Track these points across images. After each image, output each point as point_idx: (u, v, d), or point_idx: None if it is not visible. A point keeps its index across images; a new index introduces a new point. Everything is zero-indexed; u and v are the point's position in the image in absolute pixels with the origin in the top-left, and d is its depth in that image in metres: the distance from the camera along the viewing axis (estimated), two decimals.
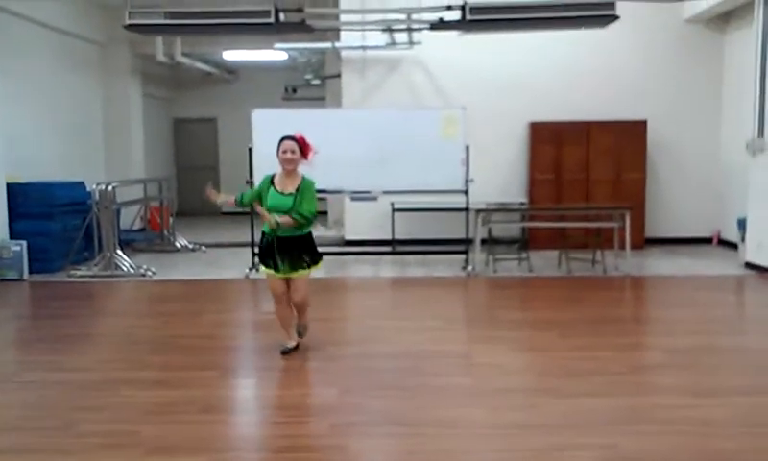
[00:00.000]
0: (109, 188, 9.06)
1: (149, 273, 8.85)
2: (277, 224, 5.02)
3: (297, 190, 5.07)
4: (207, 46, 12.74)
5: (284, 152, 5.07)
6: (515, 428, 3.99)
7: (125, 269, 8.90)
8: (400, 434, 3.96)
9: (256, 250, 8.76)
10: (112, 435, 3.95)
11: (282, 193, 5.08)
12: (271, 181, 5.17)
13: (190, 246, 11.01)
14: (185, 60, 12.61)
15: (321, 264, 5.33)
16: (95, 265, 8.93)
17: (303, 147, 5.13)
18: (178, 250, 10.91)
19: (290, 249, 5.12)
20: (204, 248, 10.98)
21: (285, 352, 5.36)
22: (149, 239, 11.46)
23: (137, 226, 12.15)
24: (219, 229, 13.18)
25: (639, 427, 3.95)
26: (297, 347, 5.44)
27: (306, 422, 4.24)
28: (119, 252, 9.07)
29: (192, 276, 8.95)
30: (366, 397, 4.53)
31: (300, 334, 5.52)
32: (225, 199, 5.46)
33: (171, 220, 11.26)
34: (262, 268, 5.31)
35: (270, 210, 5.07)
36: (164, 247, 10.99)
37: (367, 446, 3.91)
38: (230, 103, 15.90)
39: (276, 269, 5.16)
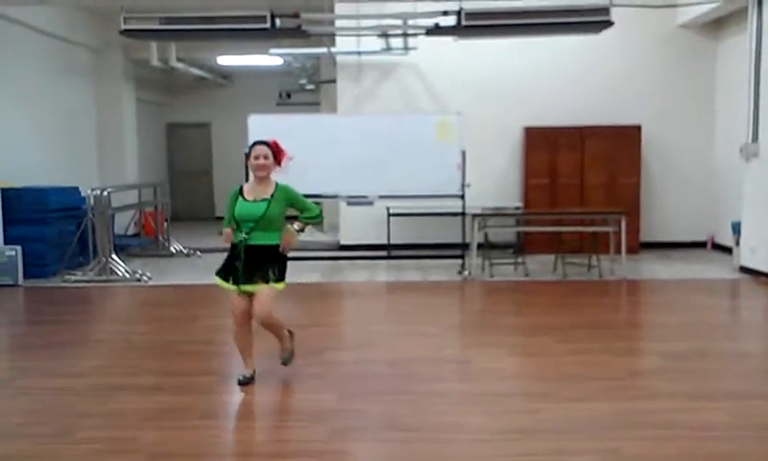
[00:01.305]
0: (104, 193, 9.03)
1: (144, 278, 8.81)
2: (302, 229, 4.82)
3: (271, 196, 4.68)
4: (202, 51, 12.73)
5: (256, 157, 4.67)
6: (515, 434, 3.98)
7: (120, 274, 8.86)
8: (401, 440, 3.94)
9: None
10: (111, 442, 3.93)
11: (254, 201, 4.66)
12: (240, 191, 4.75)
13: (185, 251, 10.98)
14: (179, 66, 12.60)
15: (282, 286, 4.74)
16: (90, 270, 8.89)
17: (277, 152, 4.75)
18: (173, 255, 10.88)
19: (257, 259, 4.65)
20: (199, 253, 10.95)
21: (243, 383, 4.81)
22: (143, 244, 11.42)
23: (132, 231, 12.12)
24: (213, 234, 13.10)
25: (640, 432, 3.96)
26: (253, 377, 4.87)
27: (306, 427, 4.21)
28: (114, 257, 9.03)
29: (188, 281, 8.92)
30: (365, 402, 4.52)
31: (284, 362, 4.99)
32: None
33: (165, 225, 11.23)
34: (218, 281, 4.76)
35: (237, 220, 4.66)
36: (159, 252, 10.95)
37: (367, 451, 3.90)
38: (224, 108, 15.88)
39: (237, 282, 4.66)
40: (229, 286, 4.71)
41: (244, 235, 4.65)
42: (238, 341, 4.86)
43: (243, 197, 4.72)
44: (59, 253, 9.10)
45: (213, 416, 4.43)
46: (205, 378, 5.09)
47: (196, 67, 13.70)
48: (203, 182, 16.44)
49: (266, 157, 4.69)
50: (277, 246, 4.72)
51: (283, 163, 4.85)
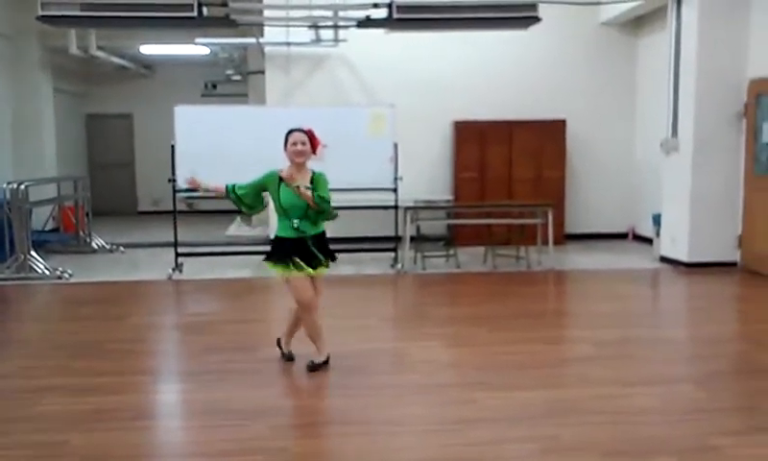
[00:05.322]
0: (21, 187, 8.62)
1: (65, 275, 8.46)
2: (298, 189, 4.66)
3: (311, 183, 4.73)
4: (124, 39, 12.28)
5: (294, 144, 4.69)
6: (458, 423, 4.02)
7: (40, 271, 8.48)
8: (343, 434, 3.93)
9: (180, 250, 8.64)
10: (41, 446, 3.75)
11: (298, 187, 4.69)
12: (280, 178, 4.74)
13: (107, 246, 10.61)
14: (100, 54, 12.11)
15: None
16: (7, 268, 8.47)
17: (312, 140, 4.77)
18: (95, 251, 10.49)
19: (319, 246, 4.90)
20: (122, 249, 10.60)
21: (313, 369, 4.92)
22: (63, 240, 10.97)
23: (50, 226, 11.62)
24: (136, 229, 12.76)
25: (576, 418, 4.06)
26: (327, 361, 5.01)
27: (245, 425, 4.11)
28: (33, 253, 8.63)
29: (111, 277, 8.62)
30: (305, 398, 4.49)
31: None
32: (207, 185, 5.11)
33: (87, 220, 10.82)
34: (277, 270, 4.86)
35: (285, 209, 4.73)
36: (80, 248, 10.54)
37: (309, 447, 3.85)
38: (147, 99, 15.41)
39: (312, 265, 4.83)
40: (305, 270, 4.80)
41: (296, 225, 4.75)
42: (316, 326, 4.97)
43: (286, 184, 4.70)
44: None
45: (148, 416, 4.30)
46: (137, 378, 4.93)
47: (117, 56, 13.22)
48: (124, 175, 15.90)
49: (303, 144, 4.73)
50: (324, 232, 4.97)
51: (318, 151, 4.87)
